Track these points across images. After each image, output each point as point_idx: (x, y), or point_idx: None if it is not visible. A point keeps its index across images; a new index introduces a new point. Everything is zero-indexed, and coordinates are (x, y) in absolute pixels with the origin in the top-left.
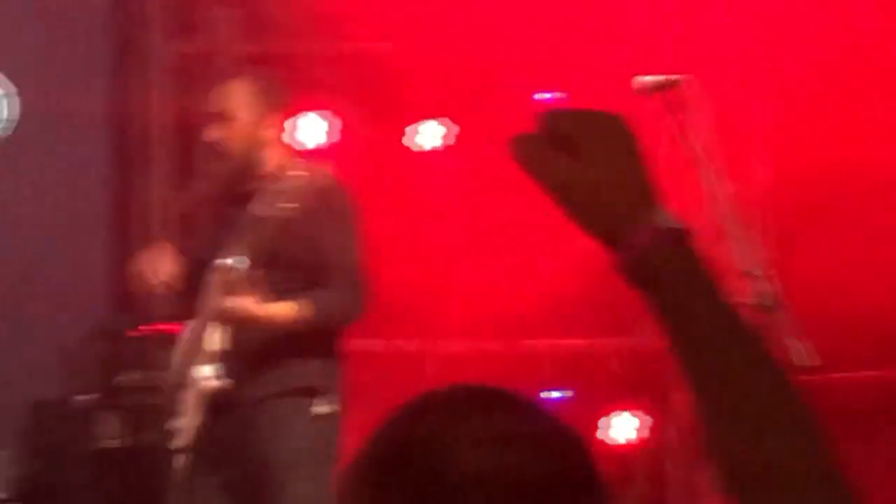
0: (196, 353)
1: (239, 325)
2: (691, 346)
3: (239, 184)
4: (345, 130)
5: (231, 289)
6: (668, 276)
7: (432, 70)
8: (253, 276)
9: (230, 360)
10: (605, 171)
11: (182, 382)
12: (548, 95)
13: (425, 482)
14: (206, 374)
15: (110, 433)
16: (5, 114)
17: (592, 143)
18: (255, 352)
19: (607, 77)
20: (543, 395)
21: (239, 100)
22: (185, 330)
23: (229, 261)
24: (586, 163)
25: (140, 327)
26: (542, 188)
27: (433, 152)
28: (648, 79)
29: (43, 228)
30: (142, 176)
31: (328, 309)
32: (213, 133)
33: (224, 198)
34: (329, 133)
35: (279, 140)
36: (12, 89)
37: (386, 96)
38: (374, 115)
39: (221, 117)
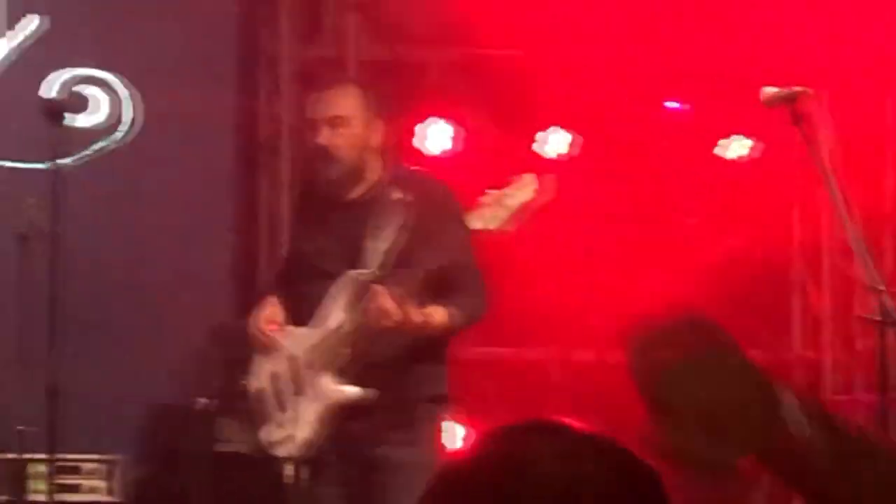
0: (324, 363)
1: (382, 333)
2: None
3: (346, 189)
4: (471, 137)
5: (370, 298)
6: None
7: (560, 78)
8: (394, 284)
9: (361, 367)
10: (725, 398)
11: (298, 391)
12: (676, 105)
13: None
14: (339, 385)
15: (229, 437)
16: (130, 116)
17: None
18: (389, 359)
19: (735, 87)
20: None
21: (351, 106)
22: (295, 337)
23: (365, 271)
24: (709, 400)
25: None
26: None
27: (559, 160)
28: (775, 90)
29: (168, 232)
30: (268, 180)
31: (472, 313)
32: (324, 137)
33: (330, 202)
34: (455, 140)
35: (391, 147)
36: (136, 92)
37: (512, 103)
38: (500, 122)
39: (334, 122)
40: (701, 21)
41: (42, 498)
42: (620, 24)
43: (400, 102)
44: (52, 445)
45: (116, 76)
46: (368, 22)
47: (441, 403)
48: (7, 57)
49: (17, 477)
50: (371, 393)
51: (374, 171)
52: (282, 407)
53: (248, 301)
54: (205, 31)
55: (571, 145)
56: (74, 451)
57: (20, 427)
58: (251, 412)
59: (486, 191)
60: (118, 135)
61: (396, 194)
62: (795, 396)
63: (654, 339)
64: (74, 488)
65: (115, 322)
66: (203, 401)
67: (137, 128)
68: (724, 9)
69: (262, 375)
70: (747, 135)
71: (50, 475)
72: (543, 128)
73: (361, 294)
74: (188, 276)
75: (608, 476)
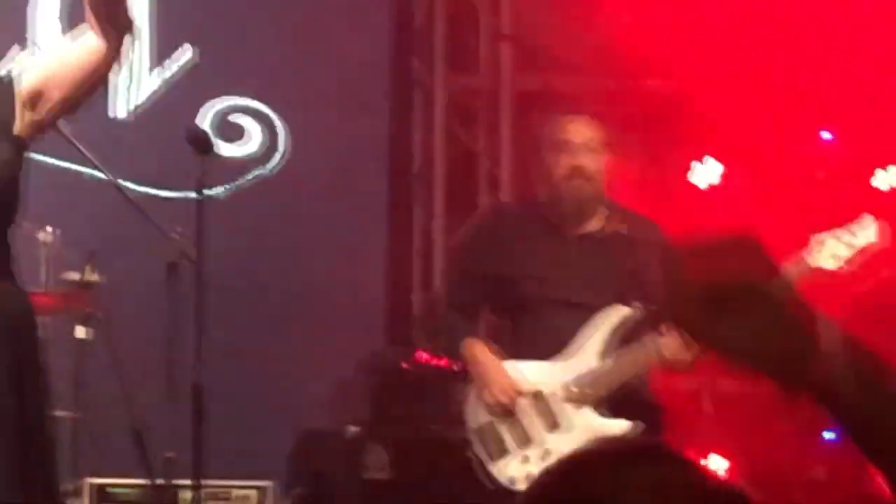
0: (586, 398)
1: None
2: (872, 441)
3: (583, 217)
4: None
5: (659, 340)
6: (853, 394)
7: (711, 108)
8: (653, 319)
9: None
10: (763, 319)
11: (552, 426)
12: (828, 135)
13: None
14: (605, 418)
15: (378, 465)
16: (283, 146)
17: (744, 299)
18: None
19: (881, 118)
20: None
21: (599, 135)
22: (536, 371)
23: (627, 307)
24: (744, 320)
25: (414, 357)
26: (711, 350)
27: (710, 189)
28: None
29: (321, 260)
30: (421, 209)
31: None
32: (581, 159)
33: (558, 229)
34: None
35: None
36: (289, 122)
37: (664, 133)
38: (653, 151)
39: (589, 146)
40: (856, 49)
41: None
42: (768, 55)
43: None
44: (199, 471)
45: (270, 106)
46: (521, 52)
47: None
48: (160, 87)
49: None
50: (639, 427)
51: (605, 203)
52: (526, 442)
53: (399, 329)
54: (358, 61)
55: (723, 176)
56: (224, 477)
57: (168, 453)
58: (478, 447)
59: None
60: (271, 164)
61: (626, 229)
62: (838, 331)
63: (703, 251)
64: None
65: (264, 349)
66: (353, 428)
67: (291, 157)
68: (880, 37)
69: (481, 412)
70: None
71: (197, 501)
72: (695, 157)
73: (629, 329)
74: (339, 304)
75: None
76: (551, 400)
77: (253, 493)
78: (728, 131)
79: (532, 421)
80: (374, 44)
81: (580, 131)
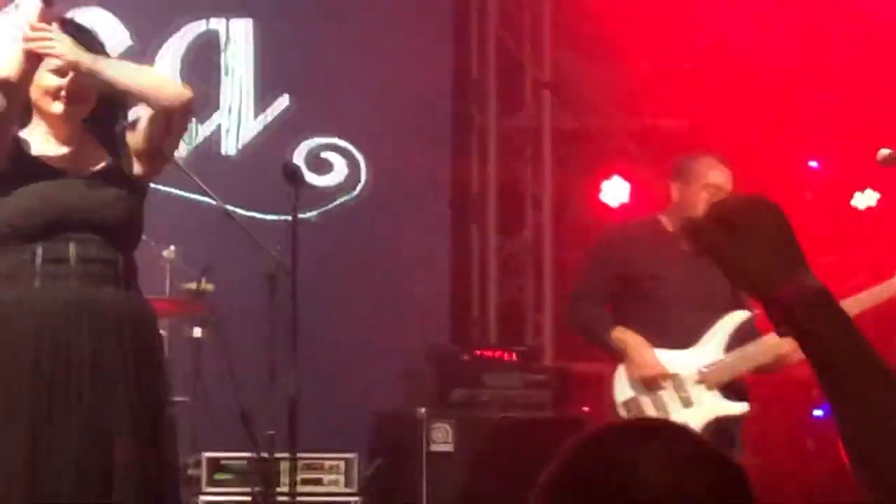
0: (714, 382)
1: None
2: (834, 377)
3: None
4: (643, 193)
5: (747, 333)
6: (811, 322)
7: (721, 144)
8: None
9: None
10: (758, 243)
11: (686, 404)
12: (814, 164)
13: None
14: (727, 401)
15: (442, 440)
16: (364, 176)
17: (749, 224)
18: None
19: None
20: None
21: (729, 181)
22: (675, 358)
23: (743, 312)
24: (743, 239)
25: (473, 351)
26: (711, 259)
27: None
28: (888, 151)
29: (397, 271)
30: (478, 229)
31: None
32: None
33: (670, 242)
34: (631, 195)
35: None
36: (368, 156)
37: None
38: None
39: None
40: (838, 88)
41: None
42: (773, 95)
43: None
44: (294, 445)
45: (352, 143)
46: (559, 96)
47: None
48: (262, 129)
49: (268, 473)
50: (751, 408)
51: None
52: (664, 416)
53: (460, 327)
54: (426, 103)
55: None
56: (316, 451)
57: (270, 431)
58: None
59: None
60: (354, 192)
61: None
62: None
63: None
64: (317, 482)
65: (347, 344)
66: (421, 410)
67: (370, 185)
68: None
69: (628, 387)
70: (874, 188)
71: (294, 471)
72: None
73: (745, 330)
74: (411, 307)
75: (704, 482)
76: (687, 381)
77: (341, 463)
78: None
79: (671, 397)
80: (438, 90)
81: (725, 178)
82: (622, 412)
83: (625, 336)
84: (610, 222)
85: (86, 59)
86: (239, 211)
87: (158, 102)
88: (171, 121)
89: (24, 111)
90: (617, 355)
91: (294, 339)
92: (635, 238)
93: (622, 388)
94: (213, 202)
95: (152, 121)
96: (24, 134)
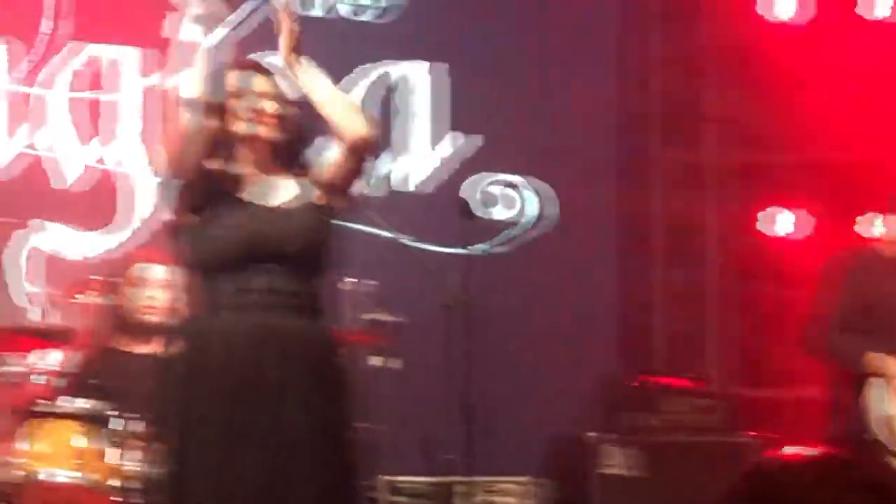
0: None
1: None
2: None
3: None
4: (810, 224)
5: None
6: None
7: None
8: None
9: None
10: None
11: None
12: None
13: None
14: None
15: (614, 463)
16: (534, 209)
17: None
18: None
19: None
20: None
21: None
22: None
23: None
24: None
25: (642, 378)
26: None
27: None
28: None
29: (567, 300)
30: (644, 259)
31: None
32: None
33: None
34: (797, 225)
35: None
36: (538, 189)
37: (846, 197)
38: (835, 212)
39: None
40: None
41: None
42: None
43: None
44: (470, 470)
45: (522, 178)
46: (723, 130)
47: None
48: (436, 166)
49: (445, 497)
50: None
51: None
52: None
53: (628, 354)
54: (592, 139)
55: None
56: (491, 474)
57: (448, 455)
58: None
59: None
60: (524, 226)
61: None
62: None
63: None
64: None
65: (521, 371)
66: (592, 434)
67: (539, 217)
68: None
69: (886, 405)
70: None
71: (469, 495)
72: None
73: None
74: (581, 335)
75: None
76: None
77: (514, 486)
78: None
79: None
80: (605, 125)
81: None
82: (879, 430)
83: (879, 360)
84: (837, 253)
85: (303, 61)
86: (414, 244)
87: (347, 129)
88: (356, 154)
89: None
90: (862, 379)
91: (468, 366)
92: (873, 266)
93: (878, 407)
94: (390, 235)
95: (340, 154)
96: (214, 164)
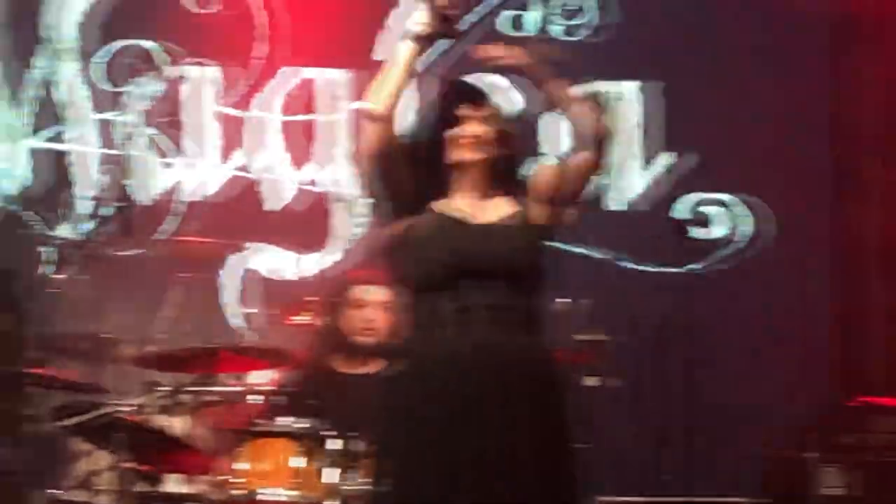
0: None
1: None
2: None
3: None
4: None
5: None
6: None
7: None
8: None
9: None
10: None
11: None
12: None
13: None
14: None
15: (833, 483)
16: (747, 228)
17: None
18: None
19: None
20: None
21: None
22: None
23: None
24: None
25: (859, 397)
26: None
27: None
28: None
29: (779, 320)
30: (860, 278)
31: None
32: None
33: None
34: None
35: None
36: (749, 209)
37: None
38: None
39: None
40: None
41: None
42: None
43: None
44: (688, 490)
45: (735, 195)
46: None
47: None
48: (647, 186)
49: None
50: None
51: None
52: None
53: (843, 374)
54: (806, 154)
55: None
56: (708, 493)
57: (665, 475)
58: None
59: None
60: (738, 243)
61: None
62: None
63: None
64: None
65: (734, 392)
66: (810, 454)
67: (753, 237)
68: None
69: None
70: None
71: None
72: None
73: None
74: (795, 354)
75: None
76: None
77: None
78: None
79: None
80: (818, 140)
81: None
82: None
83: None
84: None
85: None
86: (627, 264)
87: (594, 143)
88: (587, 171)
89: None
90: None
91: (686, 386)
92: None
93: None
94: (604, 255)
95: (566, 168)
96: (427, 183)
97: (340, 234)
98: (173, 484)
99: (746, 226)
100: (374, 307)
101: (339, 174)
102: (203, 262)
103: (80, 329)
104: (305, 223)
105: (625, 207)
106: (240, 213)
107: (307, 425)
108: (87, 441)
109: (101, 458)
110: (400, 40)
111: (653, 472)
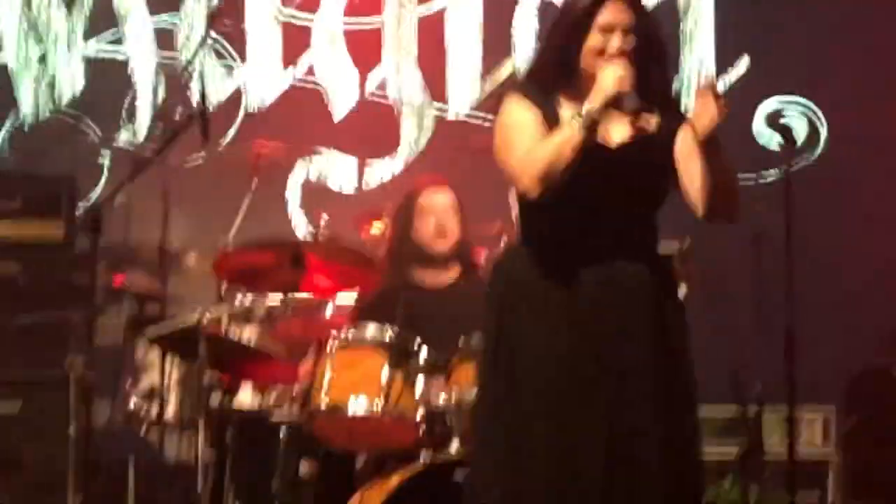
0: None
1: None
2: None
3: None
4: None
5: None
6: None
7: None
8: None
9: None
10: None
11: None
12: None
13: None
14: None
15: None
16: (824, 136)
17: None
18: None
19: None
20: None
21: None
22: None
23: None
24: None
25: None
26: None
27: None
28: None
29: (859, 230)
30: None
31: None
32: None
33: None
34: None
35: None
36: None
37: None
38: None
39: None
40: None
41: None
42: None
43: None
44: (777, 398)
45: (814, 103)
46: None
47: None
48: (724, 90)
49: (753, 428)
50: None
51: None
52: None
53: None
54: (890, 63)
55: None
56: (797, 404)
57: (756, 385)
58: None
59: None
60: (814, 154)
61: None
62: None
63: None
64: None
65: (825, 301)
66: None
67: (830, 147)
68: None
69: None
70: None
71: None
72: None
73: None
74: (881, 265)
75: None
76: None
77: (818, 416)
78: None
79: None
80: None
81: None
82: None
83: None
84: None
85: None
86: None
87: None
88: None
89: None
90: None
91: (789, 296)
92: None
93: None
94: None
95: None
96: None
97: (407, 143)
98: (249, 395)
99: (823, 135)
100: (444, 212)
101: (406, 80)
102: (270, 169)
103: (147, 240)
104: (371, 131)
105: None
106: (304, 122)
107: (394, 336)
108: (161, 351)
109: (174, 369)
110: (571, 120)
111: (744, 381)
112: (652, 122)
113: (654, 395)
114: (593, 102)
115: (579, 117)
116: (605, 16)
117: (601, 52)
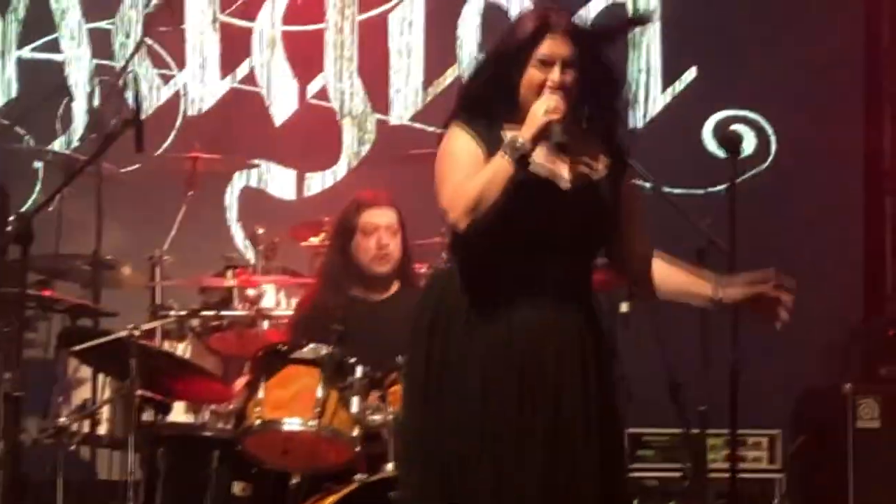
0: None
1: None
2: None
3: None
4: None
5: None
6: None
7: None
8: None
9: None
10: None
11: None
12: None
13: None
14: None
15: (869, 416)
16: (773, 149)
17: None
18: None
19: None
20: None
21: None
22: None
23: None
24: None
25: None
26: None
27: None
28: None
29: (809, 244)
30: (891, 202)
31: None
32: None
33: None
34: None
35: None
36: (777, 128)
37: None
38: None
39: None
40: None
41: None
42: None
43: None
44: (734, 421)
45: (761, 115)
46: None
47: None
48: (670, 102)
49: (696, 450)
50: None
51: None
52: None
53: (874, 302)
54: (836, 74)
55: None
56: (740, 427)
57: (701, 407)
58: None
59: None
60: (764, 165)
61: None
62: None
63: None
64: (741, 458)
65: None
66: (847, 385)
67: (780, 158)
68: None
69: None
70: None
71: (718, 448)
72: None
73: None
74: (824, 280)
75: None
76: None
77: (764, 439)
78: None
79: None
80: (849, 60)
81: None
82: None
83: None
84: None
85: None
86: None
87: None
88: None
89: None
90: None
91: (736, 314)
92: None
93: None
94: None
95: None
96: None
97: (348, 151)
98: (182, 413)
99: (772, 146)
100: (386, 232)
101: (346, 88)
102: (207, 178)
103: (79, 250)
104: (313, 137)
105: (643, 125)
106: (243, 129)
107: (330, 352)
108: (92, 367)
109: (106, 385)
110: (501, 156)
111: (685, 403)
112: (600, 165)
113: (587, 435)
114: (524, 133)
115: (511, 149)
116: (545, 49)
117: (541, 86)
